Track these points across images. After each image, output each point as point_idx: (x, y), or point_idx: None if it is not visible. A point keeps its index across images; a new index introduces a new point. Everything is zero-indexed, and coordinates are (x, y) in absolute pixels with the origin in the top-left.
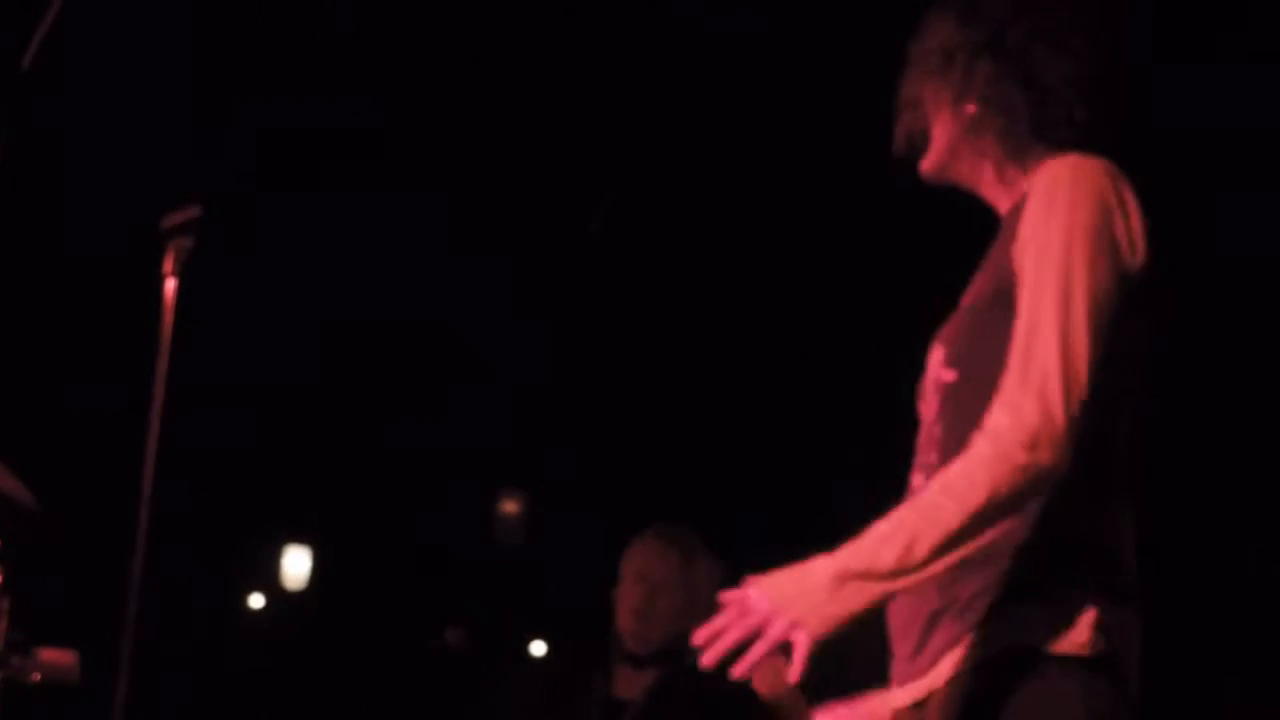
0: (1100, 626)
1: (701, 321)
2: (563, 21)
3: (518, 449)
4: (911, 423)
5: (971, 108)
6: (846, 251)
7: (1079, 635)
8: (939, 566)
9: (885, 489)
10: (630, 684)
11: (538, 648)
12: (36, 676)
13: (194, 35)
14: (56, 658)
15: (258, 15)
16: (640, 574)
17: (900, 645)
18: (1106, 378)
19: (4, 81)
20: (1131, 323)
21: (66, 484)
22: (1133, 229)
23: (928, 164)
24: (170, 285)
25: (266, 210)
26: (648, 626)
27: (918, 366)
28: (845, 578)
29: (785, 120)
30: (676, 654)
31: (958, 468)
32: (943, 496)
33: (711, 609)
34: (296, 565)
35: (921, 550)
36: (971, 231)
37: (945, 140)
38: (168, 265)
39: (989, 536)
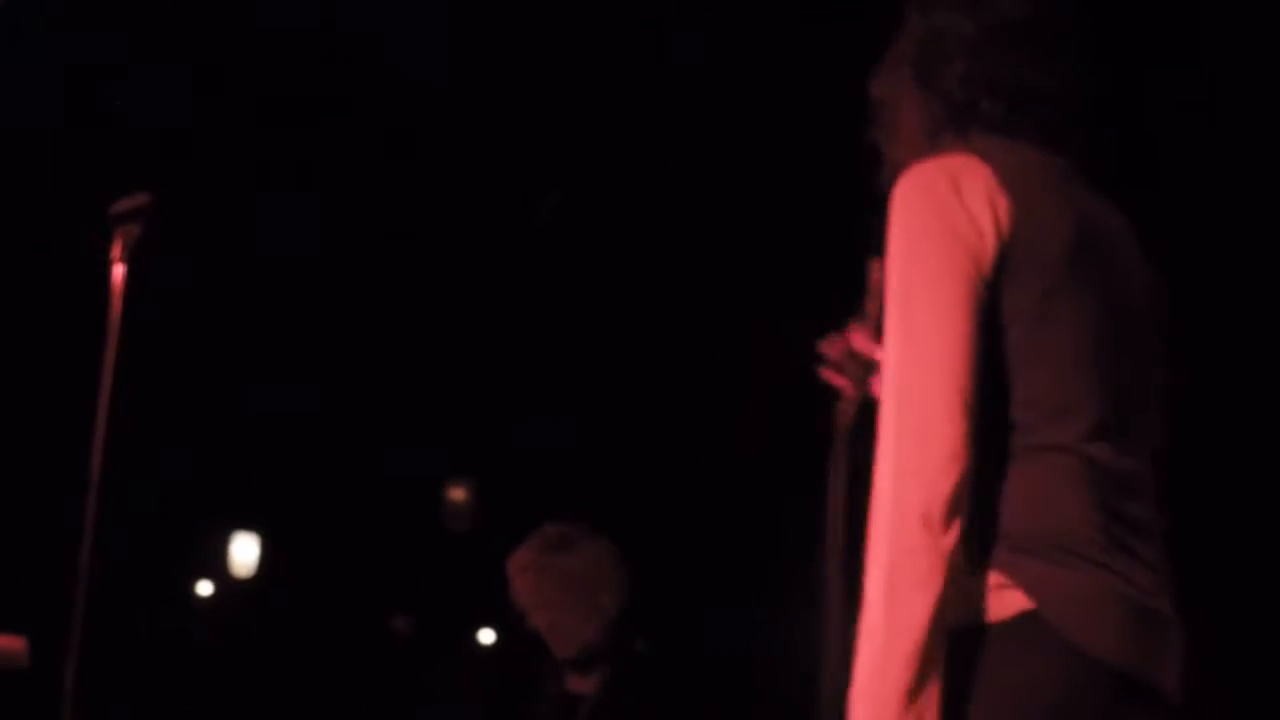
0: (1002, 589)
1: (648, 308)
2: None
3: (465, 436)
4: None
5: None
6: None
7: (982, 605)
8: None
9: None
10: (580, 680)
11: (486, 636)
12: None
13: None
14: (6, 644)
15: None
16: (516, 602)
17: None
18: (988, 360)
19: None
20: (1009, 294)
21: (13, 471)
22: (974, 217)
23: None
24: (118, 271)
25: (216, 194)
26: (553, 640)
27: None
28: None
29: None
30: (611, 648)
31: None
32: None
33: (600, 584)
34: (245, 553)
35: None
36: None
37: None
38: (116, 251)
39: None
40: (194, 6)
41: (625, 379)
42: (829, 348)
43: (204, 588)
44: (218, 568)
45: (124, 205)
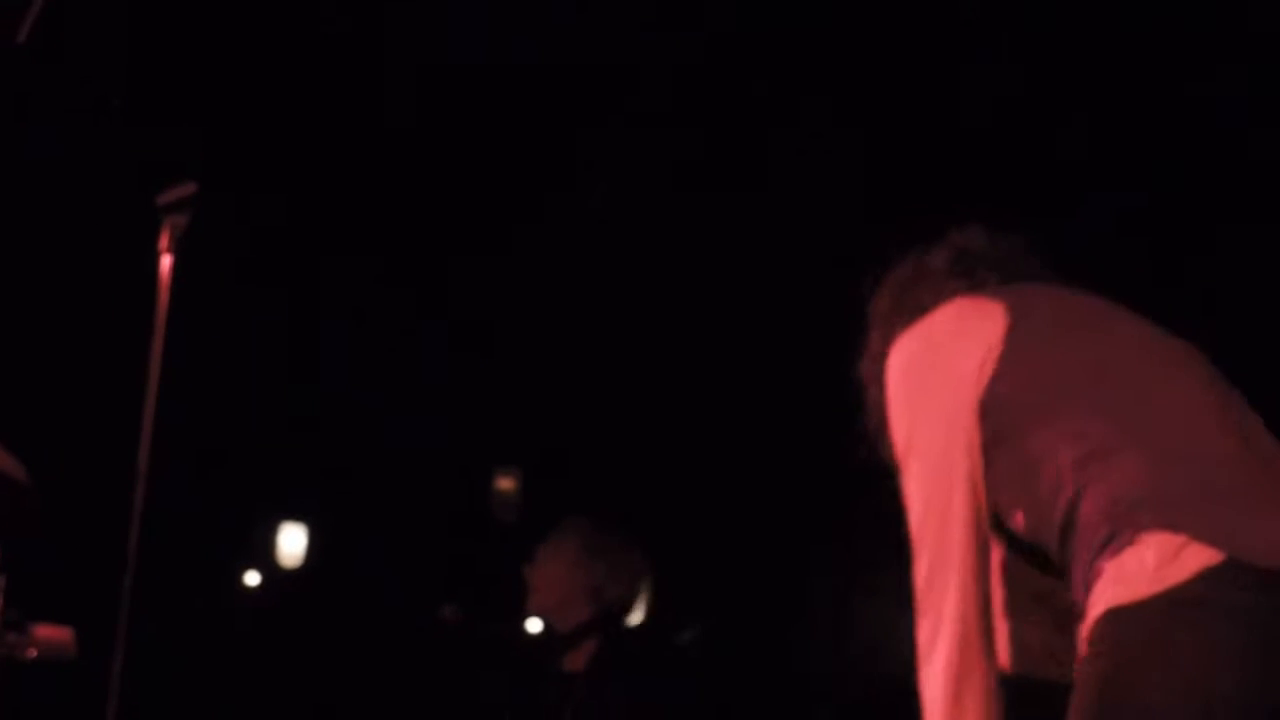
0: (1180, 550)
1: (699, 302)
2: None
3: (513, 427)
4: None
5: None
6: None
7: (1140, 577)
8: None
9: None
10: (574, 658)
11: (534, 625)
12: (33, 653)
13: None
14: (52, 634)
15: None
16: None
17: None
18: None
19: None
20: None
21: (62, 461)
22: (953, 365)
23: None
24: (166, 262)
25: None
26: (552, 619)
27: None
28: None
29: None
30: (602, 624)
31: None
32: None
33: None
34: (292, 543)
35: None
36: None
37: None
38: (163, 242)
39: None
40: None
41: (675, 371)
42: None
43: (251, 578)
44: (265, 558)
45: (171, 195)
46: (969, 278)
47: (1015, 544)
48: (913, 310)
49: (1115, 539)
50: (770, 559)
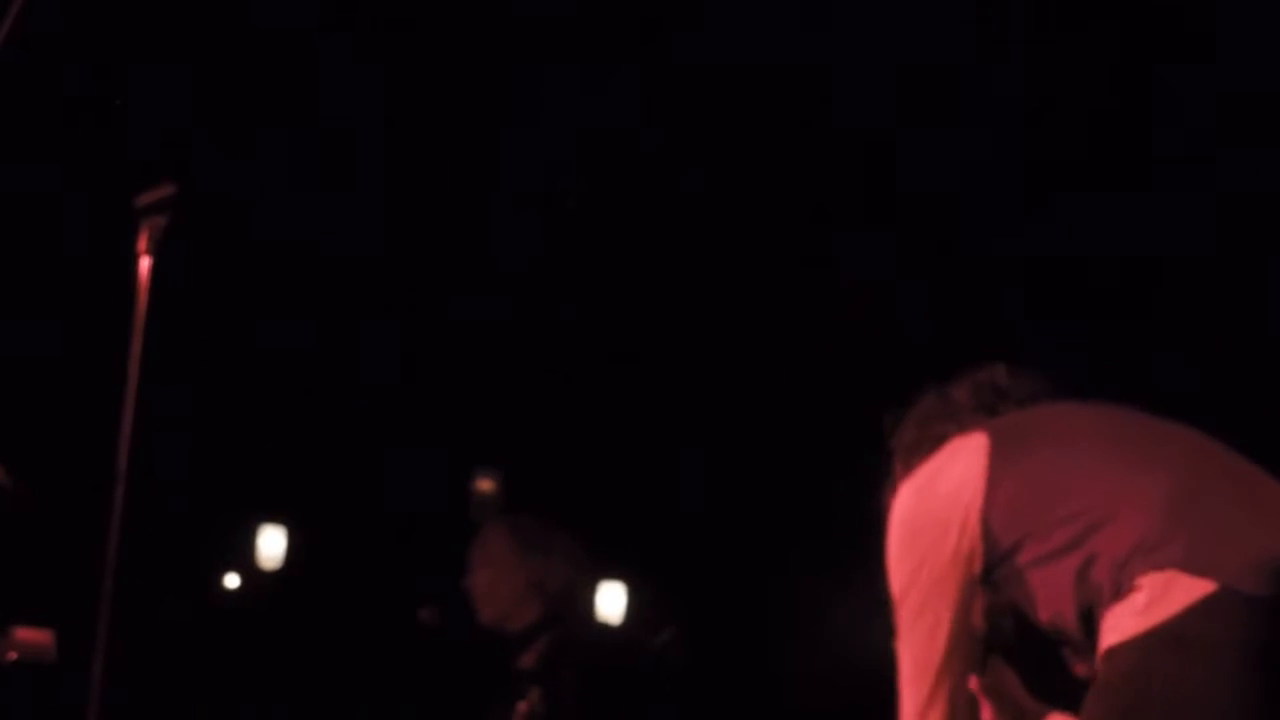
0: (1170, 585)
1: (680, 302)
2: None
3: (492, 428)
4: None
5: None
6: None
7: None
8: None
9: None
10: (526, 656)
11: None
12: (13, 656)
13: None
14: (33, 637)
15: None
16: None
17: None
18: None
19: None
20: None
21: (42, 464)
22: (948, 536)
23: None
24: (145, 264)
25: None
26: (503, 622)
27: None
28: None
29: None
30: (552, 621)
31: None
32: None
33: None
34: (272, 545)
35: None
36: None
37: None
38: (142, 244)
39: None
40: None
41: (656, 373)
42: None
43: (231, 580)
44: (244, 560)
45: (150, 197)
46: (990, 411)
47: (1026, 649)
48: (934, 441)
49: (1119, 593)
50: (749, 561)
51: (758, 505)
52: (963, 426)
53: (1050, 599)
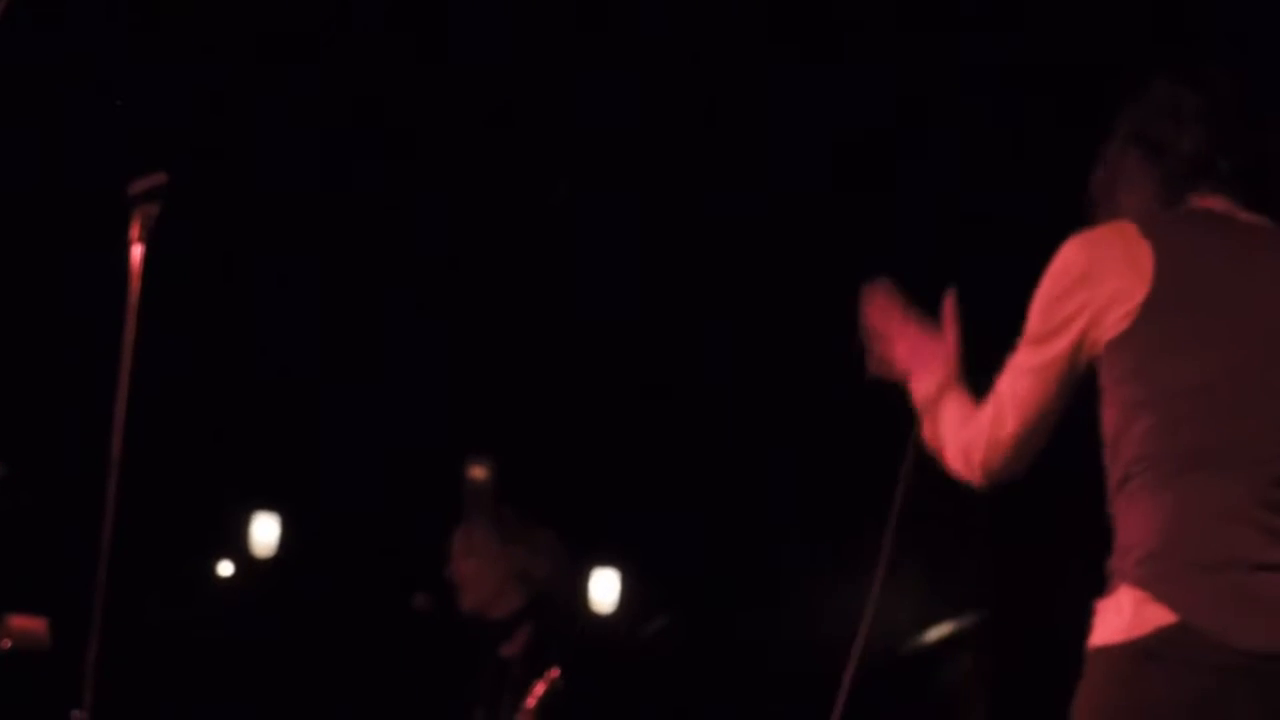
0: (1142, 605)
1: (677, 292)
2: None
3: (486, 415)
4: None
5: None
6: None
7: (1113, 626)
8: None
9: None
10: (509, 644)
11: None
12: (7, 643)
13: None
14: (27, 625)
15: None
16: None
17: None
18: (1118, 397)
19: None
20: (1152, 334)
21: (36, 452)
22: (1094, 292)
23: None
24: (137, 252)
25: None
26: (488, 610)
27: None
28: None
29: None
30: (536, 609)
31: (968, 427)
32: (961, 421)
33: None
34: (265, 533)
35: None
36: None
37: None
38: (134, 232)
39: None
40: None
41: (651, 361)
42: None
43: (225, 568)
44: (238, 548)
45: (142, 185)
46: (1205, 162)
47: None
48: (1146, 148)
49: (1113, 576)
50: (742, 550)
51: (752, 494)
52: (1167, 186)
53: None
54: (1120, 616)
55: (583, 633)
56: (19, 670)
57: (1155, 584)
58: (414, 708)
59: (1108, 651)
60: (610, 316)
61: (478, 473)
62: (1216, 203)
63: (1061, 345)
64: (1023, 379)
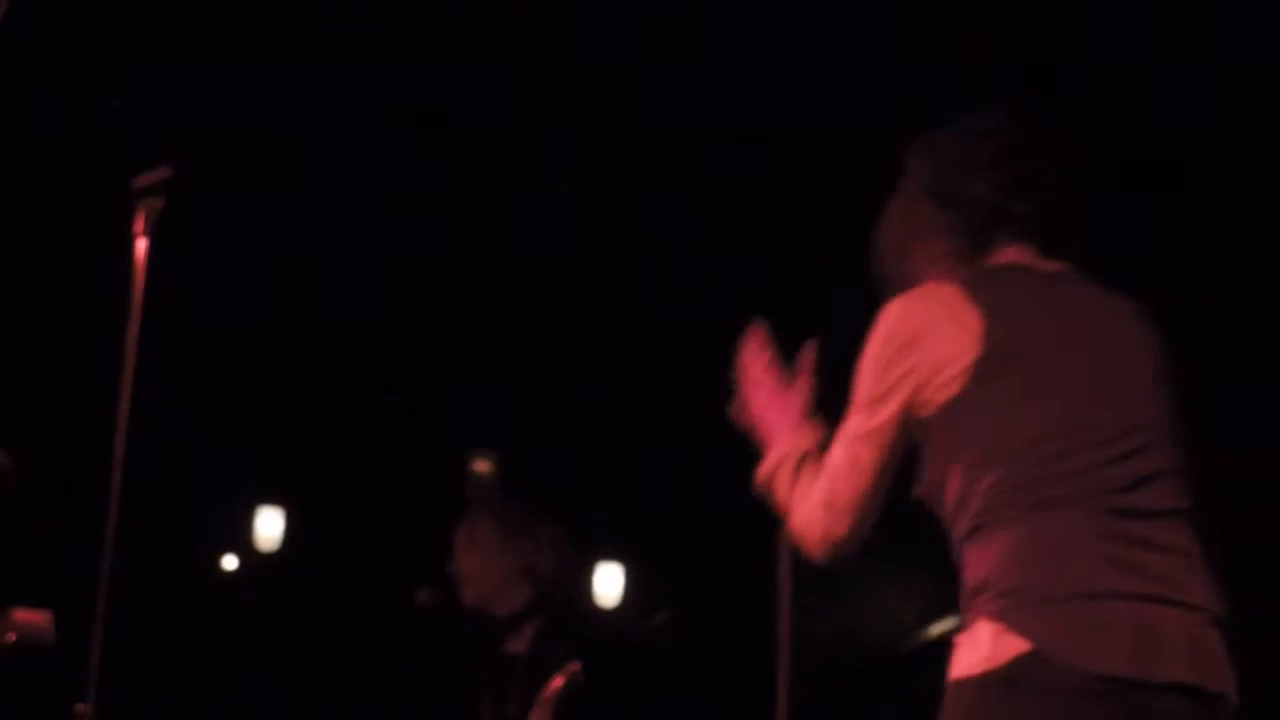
0: (999, 636)
1: (679, 286)
2: None
3: (490, 409)
4: None
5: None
6: None
7: (972, 659)
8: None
9: None
10: (516, 641)
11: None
12: (11, 637)
13: None
14: (31, 618)
15: None
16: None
17: None
18: (941, 455)
19: None
20: (989, 391)
21: (39, 446)
22: (922, 355)
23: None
24: (141, 245)
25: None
26: (490, 605)
27: None
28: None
29: None
30: (542, 604)
31: (815, 488)
32: (803, 487)
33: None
34: (269, 527)
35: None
36: None
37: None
38: (138, 226)
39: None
40: None
41: (654, 355)
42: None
43: (229, 562)
44: (242, 542)
45: (146, 179)
46: (997, 211)
47: None
48: (939, 199)
49: (969, 612)
50: (747, 543)
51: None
52: (982, 256)
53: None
54: (978, 650)
55: (587, 628)
56: (23, 664)
57: (1010, 615)
58: (419, 703)
59: (967, 683)
60: (617, 308)
61: (481, 466)
62: (1018, 253)
63: (892, 409)
64: (855, 446)
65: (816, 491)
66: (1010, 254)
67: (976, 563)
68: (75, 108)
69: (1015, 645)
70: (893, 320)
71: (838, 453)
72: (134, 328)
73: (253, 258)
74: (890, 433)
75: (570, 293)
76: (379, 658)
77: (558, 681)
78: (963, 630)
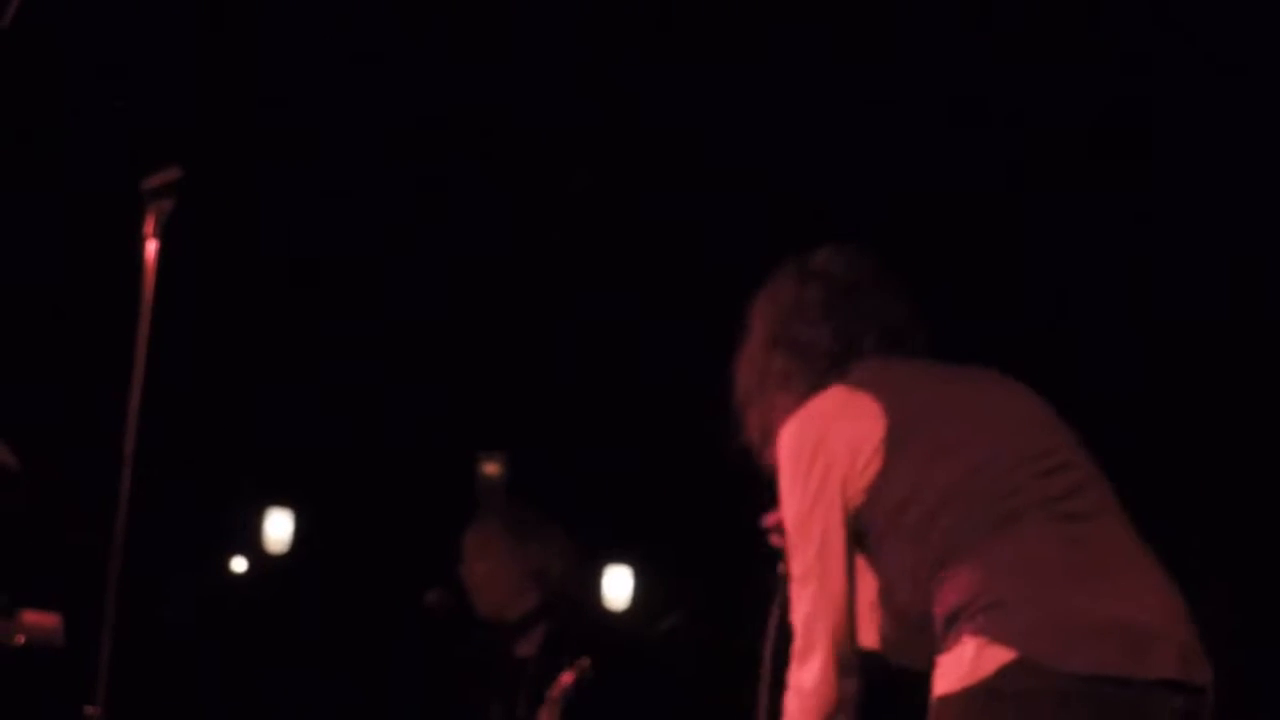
0: (979, 656)
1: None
2: None
3: (498, 410)
4: None
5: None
6: None
7: (956, 675)
8: None
9: None
10: (525, 644)
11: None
12: (20, 639)
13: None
14: (40, 621)
15: None
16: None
17: None
18: (878, 533)
19: None
20: (902, 463)
21: (49, 448)
22: (834, 450)
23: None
24: (151, 247)
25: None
26: (500, 612)
27: None
28: None
29: None
30: (551, 608)
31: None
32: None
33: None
34: (279, 528)
35: None
36: None
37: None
38: (148, 227)
39: None
40: None
41: (663, 356)
42: (770, 519)
43: (238, 564)
44: (252, 544)
45: (156, 180)
46: (846, 347)
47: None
48: (789, 349)
49: (947, 640)
50: (756, 546)
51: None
52: (823, 363)
53: (890, 577)
54: (961, 665)
55: (597, 631)
56: (33, 666)
57: (994, 628)
58: (428, 705)
59: (953, 698)
60: (628, 310)
61: (490, 468)
62: (875, 361)
63: (830, 517)
64: (811, 585)
65: (812, 665)
66: (869, 363)
67: (950, 592)
68: (85, 108)
69: (999, 656)
70: (793, 437)
71: (801, 609)
72: (144, 329)
73: (262, 258)
74: (836, 544)
75: (580, 294)
76: (388, 660)
77: (566, 678)
78: (943, 652)
